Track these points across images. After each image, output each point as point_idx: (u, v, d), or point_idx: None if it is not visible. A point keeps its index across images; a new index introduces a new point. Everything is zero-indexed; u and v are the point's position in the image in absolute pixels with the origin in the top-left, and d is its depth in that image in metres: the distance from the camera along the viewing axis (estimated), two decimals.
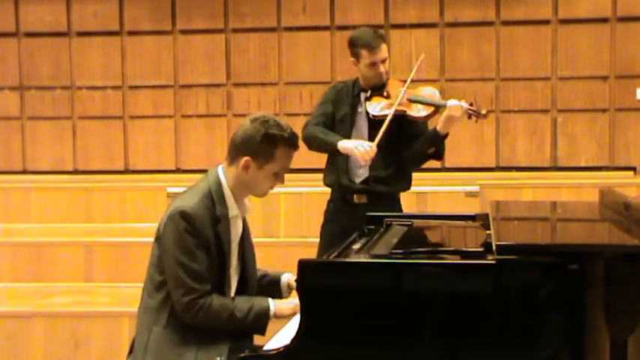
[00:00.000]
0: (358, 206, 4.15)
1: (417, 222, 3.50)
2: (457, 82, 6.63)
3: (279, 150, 2.86)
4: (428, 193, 5.98)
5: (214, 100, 6.86)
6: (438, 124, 4.03)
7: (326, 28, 6.74)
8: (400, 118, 4.07)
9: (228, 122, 6.86)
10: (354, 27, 6.61)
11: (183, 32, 6.89)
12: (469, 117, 3.99)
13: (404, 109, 4.07)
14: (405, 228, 3.33)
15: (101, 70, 6.95)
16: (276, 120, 2.91)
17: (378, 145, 4.02)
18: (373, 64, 4.12)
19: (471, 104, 3.99)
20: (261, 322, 2.87)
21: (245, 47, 6.84)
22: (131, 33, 6.92)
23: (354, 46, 4.18)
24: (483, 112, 3.99)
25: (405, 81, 4.17)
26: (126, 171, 6.91)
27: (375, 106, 4.13)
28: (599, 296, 2.50)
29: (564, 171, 6.53)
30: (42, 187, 6.57)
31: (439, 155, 4.18)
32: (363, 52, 4.13)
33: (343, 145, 4.06)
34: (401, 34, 6.67)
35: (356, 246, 3.10)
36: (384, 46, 4.14)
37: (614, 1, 6.46)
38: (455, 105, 3.95)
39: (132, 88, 6.94)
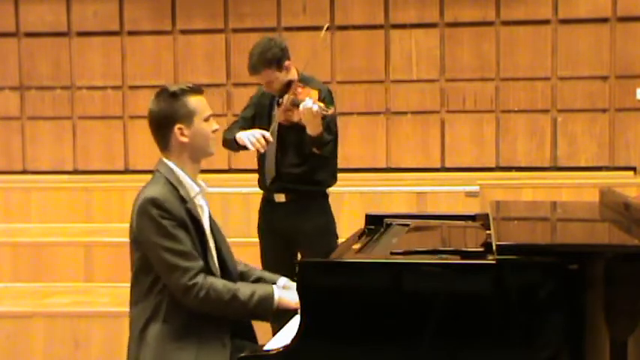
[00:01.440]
0: (279, 205, 4.26)
1: (417, 222, 3.50)
2: (457, 82, 6.63)
3: (191, 100, 2.92)
4: (428, 193, 5.98)
5: (214, 100, 6.83)
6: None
7: (326, 28, 6.73)
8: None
9: (228, 122, 6.81)
10: (354, 27, 6.67)
11: (183, 32, 6.89)
12: (322, 116, 3.92)
13: (291, 114, 4.10)
14: (405, 228, 3.33)
15: (101, 70, 6.95)
16: (169, 84, 3.03)
17: (281, 143, 4.16)
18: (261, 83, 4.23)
19: (323, 100, 3.97)
20: (265, 306, 2.85)
21: (245, 47, 6.75)
22: (131, 33, 6.92)
23: None
24: (321, 106, 3.89)
25: (304, 83, 4.17)
26: (126, 171, 6.91)
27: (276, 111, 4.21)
28: (599, 296, 2.50)
29: (564, 171, 6.52)
30: (42, 187, 6.56)
31: (324, 155, 4.13)
32: None
33: (239, 136, 4.16)
34: (401, 34, 6.66)
35: (356, 246, 3.10)
36: (264, 73, 4.12)
37: (614, 1, 6.45)
38: (303, 109, 3.90)
39: (132, 88, 6.94)
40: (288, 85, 4.18)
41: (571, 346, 2.52)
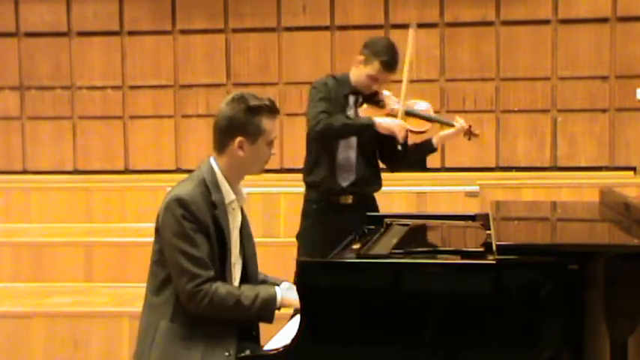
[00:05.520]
0: (344, 207, 4.18)
1: (416, 222, 3.50)
2: (457, 82, 6.64)
3: (265, 119, 2.88)
4: (428, 193, 5.99)
5: (214, 100, 6.85)
6: (435, 137, 4.20)
7: (326, 28, 6.74)
8: None
9: None
10: (354, 27, 6.67)
11: (183, 32, 6.89)
12: (464, 134, 4.23)
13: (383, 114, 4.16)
14: (405, 228, 3.33)
15: (101, 70, 6.95)
16: (251, 93, 2.93)
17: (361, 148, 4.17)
18: (376, 80, 4.14)
19: (470, 126, 4.20)
20: (268, 309, 2.84)
21: (245, 47, 6.84)
22: (131, 33, 6.93)
23: (373, 54, 4.13)
24: (477, 132, 4.25)
25: (398, 90, 4.25)
26: (126, 171, 6.92)
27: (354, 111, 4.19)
28: (599, 296, 2.50)
29: (564, 171, 6.53)
30: (42, 187, 6.57)
31: (424, 165, 4.40)
32: (377, 65, 4.11)
33: (382, 122, 4.06)
34: (401, 34, 6.64)
35: (356, 246, 3.09)
36: (394, 73, 4.20)
37: (614, 1, 6.46)
38: (460, 127, 4.17)
39: (132, 88, 6.94)
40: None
41: (571, 346, 2.52)
